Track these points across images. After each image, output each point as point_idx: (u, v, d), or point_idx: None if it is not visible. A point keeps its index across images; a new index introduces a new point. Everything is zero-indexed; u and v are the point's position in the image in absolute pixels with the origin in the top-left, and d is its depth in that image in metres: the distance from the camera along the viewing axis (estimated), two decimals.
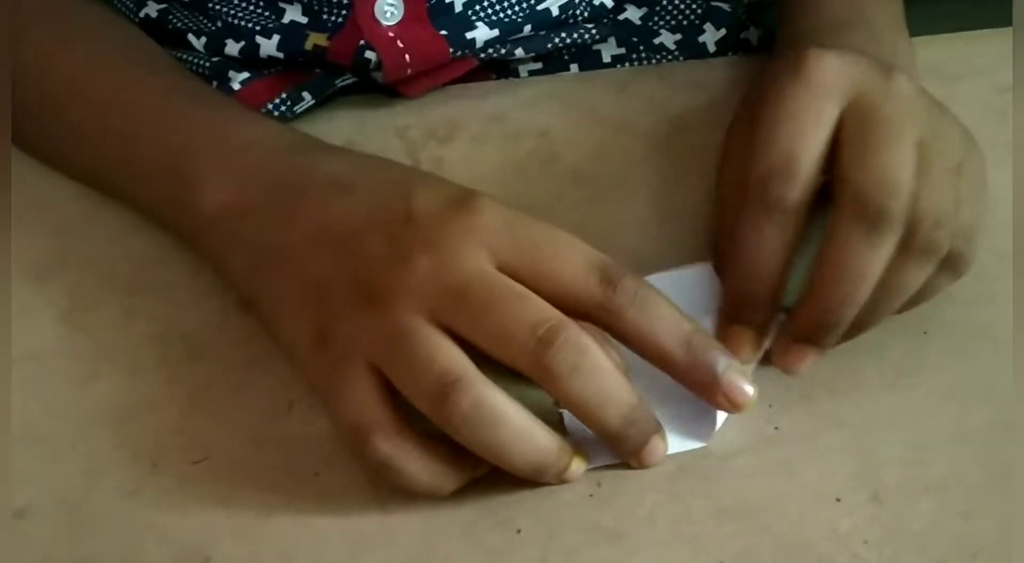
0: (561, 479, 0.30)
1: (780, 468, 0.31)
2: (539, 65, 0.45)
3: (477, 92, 0.43)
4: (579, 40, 0.43)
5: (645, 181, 0.39)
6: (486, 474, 0.30)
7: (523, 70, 0.45)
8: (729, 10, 0.47)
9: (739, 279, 0.32)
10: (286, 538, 0.30)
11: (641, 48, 0.45)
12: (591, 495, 0.31)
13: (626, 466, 0.31)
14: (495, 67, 0.44)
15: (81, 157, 0.39)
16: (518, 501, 0.31)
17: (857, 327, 0.32)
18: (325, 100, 0.42)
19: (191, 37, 0.42)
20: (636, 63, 0.45)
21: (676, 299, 0.34)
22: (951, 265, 0.31)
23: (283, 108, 0.41)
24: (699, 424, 0.32)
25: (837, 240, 0.30)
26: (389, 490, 0.31)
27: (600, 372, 0.28)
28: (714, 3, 0.47)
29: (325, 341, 0.30)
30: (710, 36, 0.46)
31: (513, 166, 0.40)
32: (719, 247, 0.35)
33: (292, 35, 0.41)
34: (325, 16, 0.41)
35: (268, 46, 0.41)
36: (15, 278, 0.36)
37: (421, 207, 0.30)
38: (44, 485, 0.32)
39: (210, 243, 0.35)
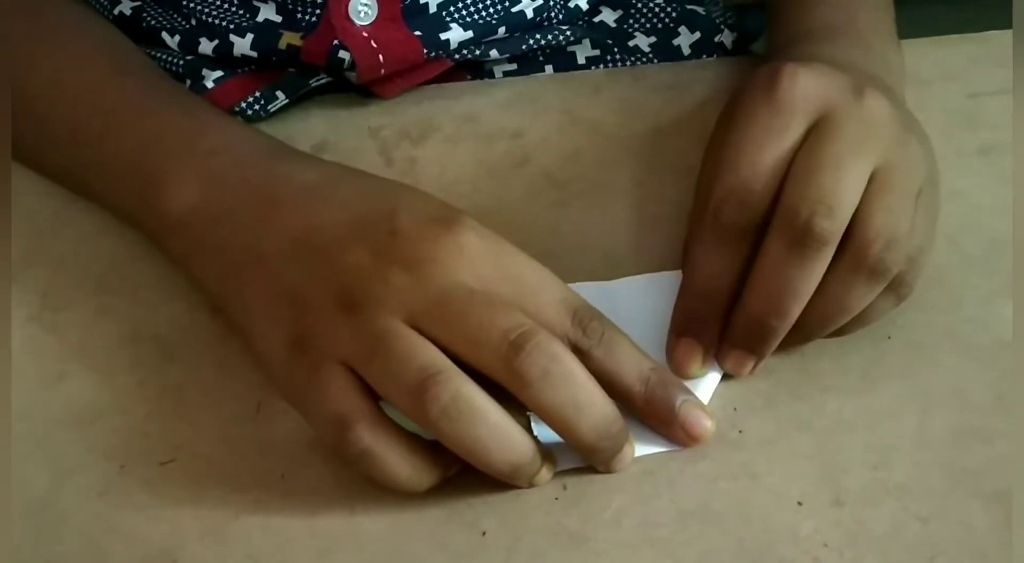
0: (531, 483, 0.31)
1: (743, 472, 0.32)
2: (514, 66, 0.45)
3: (451, 93, 0.43)
4: (554, 42, 0.44)
5: (618, 183, 0.39)
6: (454, 476, 0.31)
7: (498, 71, 0.45)
8: (704, 13, 0.47)
9: (688, 297, 0.33)
10: (253, 539, 0.30)
11: (616, 50, 0.46)
12: (557, 498, 0.31)
13: (592, 470, 0.31)
14: (470, 68, 0.44)
15: (52, 156, 0.39)
16: (484, 503, 0.31)
17: (805, 336, 0.32)
18: (299, 99, 0.42)
19: (165, 35, 0.42)
20: (611, 65, 0.45)
21: (644, 304, 0.34)
22: (896, 288, 0.32)
23: (256, 107, 0.41)
24: None
25: (765, 255, 0.31)
26: (356, 491, 0.31)
27: (572, 380, 0.29)
28: (689, 6, 0.47)
29: (300, 347, 0.30)
30: (685, 39, 0.47)
31: (486, 167, 0.40)
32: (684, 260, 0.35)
33: (266, 34, 0.41)
34: (299, 15, 0.41)
35: (242, 45, 0.41)
36: None
37: (406, 222, 0.30)
38: (11, 486, 0.32)
39: (178, 246, 0.35)
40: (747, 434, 0.32)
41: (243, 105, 0.41)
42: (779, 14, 0.42)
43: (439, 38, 0.41)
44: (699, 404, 0.32)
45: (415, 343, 0.28)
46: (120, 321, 0.36)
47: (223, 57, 0.42)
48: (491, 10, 0.42)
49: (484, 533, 0.30)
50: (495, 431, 0.28)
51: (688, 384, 0.32)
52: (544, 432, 0.30)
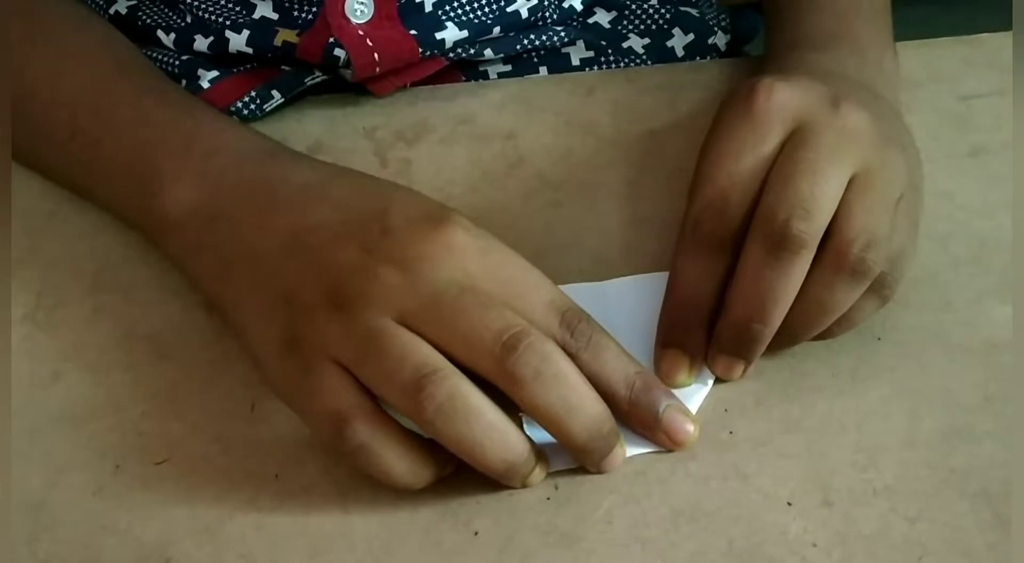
0: (524, 483, 0.31)
1: (734, 472, 0.32)
2: (508, 67, 0.45)
3: (446, 94, 0.43)
4: (548, 42, 0.44)
5: (611, 184, 0.40)
6: (446, 476, 0.31)
7: (492, 72, 0.45)
8: (697, 15, 0.47)
9: (672, 307, 0.33)
10: (247, 538, 0.31)
11: (610, 51, 0.46)
12: (548, 498, 0.31)
13: (583, 470, 0.32)
14: (464, 67, 0.44)
15: (49, 156, 0.39)
16: (476, 503, 0.31)
17: (791, 339, 0.32)
18: (294, 99, 0.42)
19: (160, 33, 0.42)
20: (604, 66, 0.45)
21: (635, 305, 0.35)
22: (878, 290, 0.32)
23: (252, 106, 0.41)
24: None
25: (745, 261, 0.31)
26: (350, 491, 0.31)
27: (564, 381, 0.29)
28: (683, 8, 0.47)
29: (293, 346, 0.30)
30: (678, 41, 0.47)
31: (480, 168, 0.40)
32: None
33: (262, 31, 0.41)
34: (295, 13, 0.41)
35: (237, 41, 0.41)
36: None
37: (397, 221, 0.30)
38: (6, 484, 0.32)
39: (175, 246, 0.35)
40: (737, 435, 0.33)
41: (239, 105, 0.41)
42: (776, 20, 0.42)
43: (434, 37, 0.41)
44: (683, 409, 0.32)
45: (409, 342, 0.29)
46: (115, 320, 0.36)
47: (218, 54, 0.42)
48: (486, 10, 0.42)
49: (476, 533, 0.31)
50: (491, 429, 0.29)
51: (677, 393, 0.32)
52: (535, 433, 0.31)
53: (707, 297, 0.32)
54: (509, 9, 0.42)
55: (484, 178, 0.40)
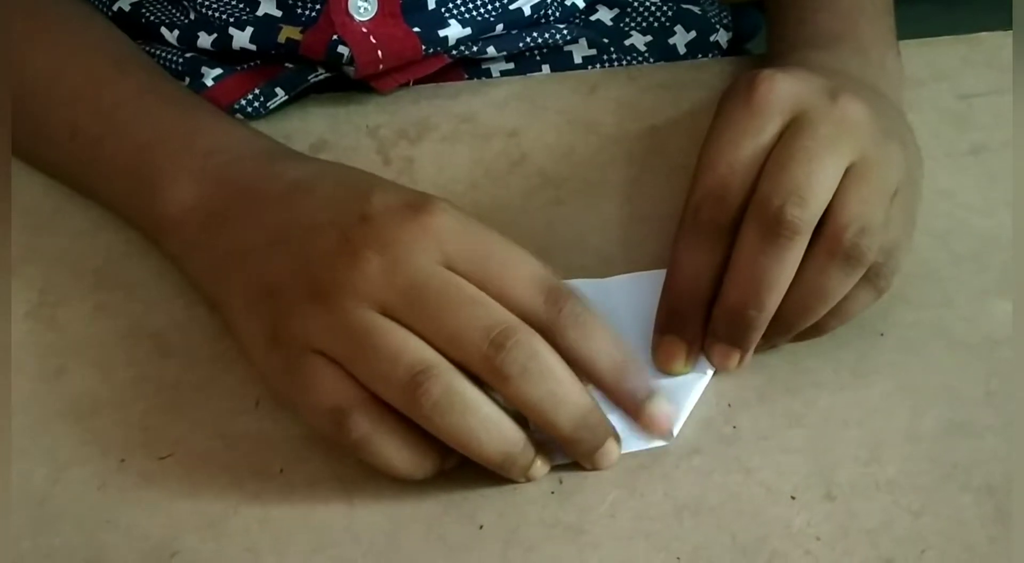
0: (526, 476, 0.31)
1: (737, 466, 0.32)
2: (511, 66, 0.45)
3: (448, 92, 0.43)
4: (550, 40, 0.44)
5: (613, 182, 0.40)
6: (450, 470, 0.31)
7: (495, 70, 0.45)
8: (700, 13, 0.48)
9: (670, 295, 0.33)
10: (252, 532, 0.31)
11: (612, 49, 0.46)
12: (553, 492, 0.31)
13: None
14: (467, 65, 0.45)
15: (51, 153, 0.39)
16: (481, 497, 0.31)
17: (787, 327, 0.32)
18: (297, 97, 0.42)
19: (164, 30, 0.42)
20: (607, 64, 0.46)
21: (637, 302, 0.35)
22: (873, 279, 0.32)
23: (256, 104, 0.42)
24: None
25: (740, 247, 0.31)
26: (354, 485, 0.31)
27: (550, 375, 0.29)
28: (685, 6, 0.47)
29: (277, 340, 0.30)
30: (680, 38, 0.47)
31: (483, 166, 0.41)
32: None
33: (265, 28, 0.41)
34: (299, 10, 0.41)
35: (241, 38, 0.41)
36: None
37: (377, 208, 0.30)
38: (10, 480, 0.32)
39: (174, 245, 0.35)
40: (741, 429, 0.33)
41: (242, 102, 0.41)
42: (778, 19, 0.43)
43: (437, 35, 0.41)
44: (664, 394, 0.31)
45: (399, 338, 0.29)
46: (118, 317, 0.36)
47: (222, 51, 0.42)
48: (489, 7, 0.42)
49: (481, 526, 0.31)
50: (486, 422, 0.29)
51: (676, 383, 0.33)
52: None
53: (705, 285, 0.32)
54: (512, 7, 0.42)
55: (486, 176, 0.40)
